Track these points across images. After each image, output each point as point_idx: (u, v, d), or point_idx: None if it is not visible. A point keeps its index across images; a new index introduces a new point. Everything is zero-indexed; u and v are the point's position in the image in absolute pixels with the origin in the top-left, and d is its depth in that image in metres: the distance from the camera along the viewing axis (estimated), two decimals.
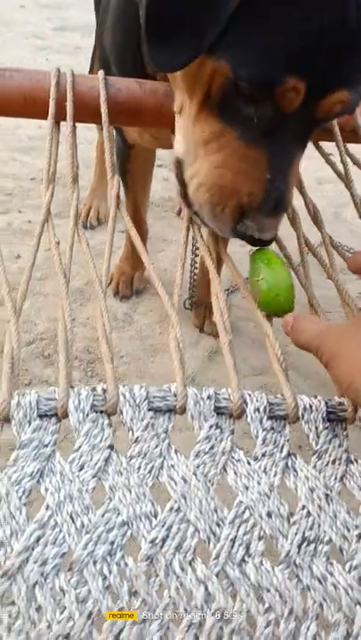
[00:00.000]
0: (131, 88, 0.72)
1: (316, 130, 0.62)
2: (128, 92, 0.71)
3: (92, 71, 1.50)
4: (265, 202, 0.59)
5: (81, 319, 1.29)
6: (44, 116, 0.69)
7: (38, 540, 0.39)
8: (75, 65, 2.80)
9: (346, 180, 0.75)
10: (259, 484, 0.45)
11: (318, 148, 0.82)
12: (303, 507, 0.44)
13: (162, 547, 0.40)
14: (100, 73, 0.72)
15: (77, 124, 0.70)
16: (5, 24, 3.25)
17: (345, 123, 0.80)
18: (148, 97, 0.71)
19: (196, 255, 1.27)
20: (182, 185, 0.65)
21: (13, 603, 0.37)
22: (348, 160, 0.77)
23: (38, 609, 0.37)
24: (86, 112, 0.70)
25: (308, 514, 0.44)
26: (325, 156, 0.81)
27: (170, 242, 1.63)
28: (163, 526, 0.41)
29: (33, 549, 0.39)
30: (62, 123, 0.71)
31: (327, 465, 0.47)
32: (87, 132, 1.68)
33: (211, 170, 0.61)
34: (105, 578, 0.39)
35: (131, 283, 1.41)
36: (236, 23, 0.54)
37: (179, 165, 0.65)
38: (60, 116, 0.70)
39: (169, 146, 0.79)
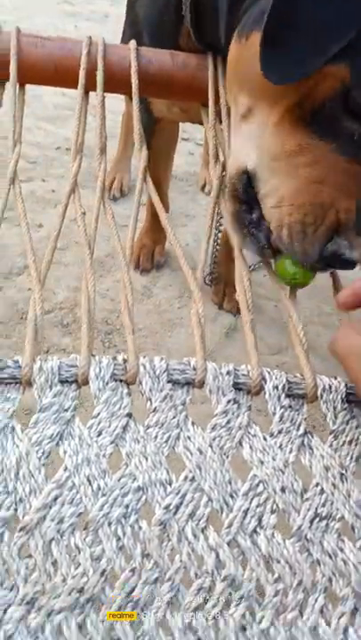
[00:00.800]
0: (162, 60, 0.71)
1: None
2: (160, 63, 0.70)
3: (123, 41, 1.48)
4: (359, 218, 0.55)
5: (100, 290, 1.30)
6: (74, 85, 0.68)
7: (56, 499, 0.41)
8: (104, 32, 2.77)
9: None
10: (274, 459, 0.45)
11: None
12: (317, 484, 0.45)
13: (175, 513, 0.42)
14: (132, 43, 0.72)
15: (106, 94, 0.70)
16: None
17: None
18: (180, 70, 0.70)
19: (220, 231, 1.26)
20: (250, 201, 0.59)
21: (30, 556, 0.38)
22: None
23: (54, 563, 0.38)
24: (117, 83, 0.69)
25: (322, 491, 0.44)
26: None
27: (192, 217, 1.62)
28: (177, 494, 0.42)
29: (50, 507, 0.40)
30: (91, 93, 0.71)
31: (343, 445, 0.47)
32: (114, 101, 1.67)
33: (304, 186, 0.55)
34: (119, 539, 0.40)
35: (152, 256, 1.42)
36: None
37: (247, 180, 0.59)
38: (90, 85, 0.70)
39: (197, 120, 0.78)
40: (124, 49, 0.72)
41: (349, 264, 0.56)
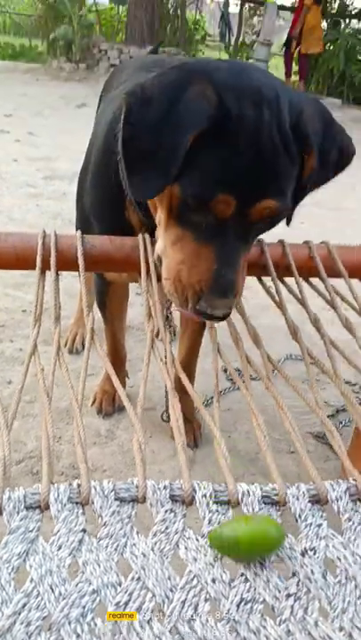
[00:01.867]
0: (103, 244, 0.90)
1: (255, 230, 0.83)
2: (101, 247, 0.89)
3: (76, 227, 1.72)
4: (213, 286, 0.78)
5: (66, 437, 1.40)
6: (33, 268, 0.86)
7: (24, 606, 0.49)
8: (64, 208, 3.12)
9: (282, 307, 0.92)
10: (205, 555, 0.55)
11: (260, 281, 1.00)
12: (242, 574, 0.54)
13: (124, 609, 0.50)
14: (78, 233, 0.91)
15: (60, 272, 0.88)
16: (0, 176, 3.65)
17: (279, 260, 0.99)
18: (118, 250, 0.89)
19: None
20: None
21: None
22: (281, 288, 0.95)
23: None
24: (67, 264, 0.87)
25: (246, 579, 0.54)
26: (265, 286, 0.98)
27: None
28: (126, 592, 0.51)
29: (19, 614, 0.48)
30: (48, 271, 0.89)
31: None
32: None
33: (173, 266, 0.82)
34: (78, 636, 0.48)
35: (113, 400, 1.54)
36: (184, 161, 0.76)
37: (160, 259, 0.87)
38: (45, 267, 0.88)
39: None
40: (72, 237, 0.91)
41: (217, 318, 0.80)
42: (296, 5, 8.66)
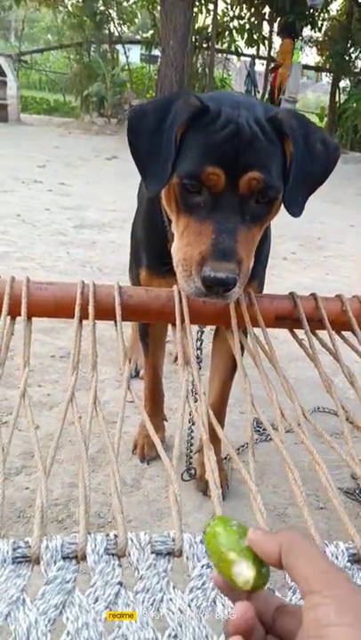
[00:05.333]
0: (140, 294, 0.92)
1: (251, 207, 0.91)
2: (138, 297, 0.92)
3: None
4: (213, 251, 0.87)
5: (92, 485, 1.39)
6: (71, 317, 0.88)
7: None
8: (92, 256, 3.19)
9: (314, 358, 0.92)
10: None
11: (293, 334, 1.01)
12: None
13: None
14: (116, 284, 0.94)
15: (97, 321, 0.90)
16: (33, 224, 3.77)
17: (312, 313, 1.00)
18: (153, 301, 0.92)
19: (193, 423, 1.40)
20: None
21: None
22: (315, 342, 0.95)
23: None
24: (104, 313, 0.89)
25: None
26: (297, 339, 0.99)
27: (175, 410, 1.77)
28: None
29: None
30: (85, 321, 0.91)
31: (298, 596, 0.56)
32: None
33: (180, 250, 0.92)
34: None
35: (154, 445, 1.54)
36: (178, 154, 0.92)
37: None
38: (84, 315, 0.90)
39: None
40: (110, 287, 0.94)
41: (222, 283, 0.85)
42: (274, 65, 9.44)
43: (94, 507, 1.32)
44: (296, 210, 0.96)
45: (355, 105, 9.21)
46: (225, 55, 11.16)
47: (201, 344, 1.30)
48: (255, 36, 10.27)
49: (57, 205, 4.35)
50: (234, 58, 11.77)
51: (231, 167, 0.89)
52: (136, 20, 11.72)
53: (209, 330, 1.49)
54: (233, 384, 1.42)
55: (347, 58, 9.78)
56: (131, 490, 1.42)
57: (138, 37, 12.21)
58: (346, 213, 5.34)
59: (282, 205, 0.98)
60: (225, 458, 1.51)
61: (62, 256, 3.18)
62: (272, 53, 10.83)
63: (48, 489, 1.34)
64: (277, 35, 9.75)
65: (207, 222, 0.89)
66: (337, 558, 0.59)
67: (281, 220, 1.04)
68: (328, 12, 10.43)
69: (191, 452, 1.43)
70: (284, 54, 8.90)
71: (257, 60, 11.04)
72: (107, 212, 4.34)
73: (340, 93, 10.24)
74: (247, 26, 10.12)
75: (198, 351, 1.29)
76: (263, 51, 10.48)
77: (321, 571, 0.41)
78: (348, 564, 0.59)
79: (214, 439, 0.93)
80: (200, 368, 1.23)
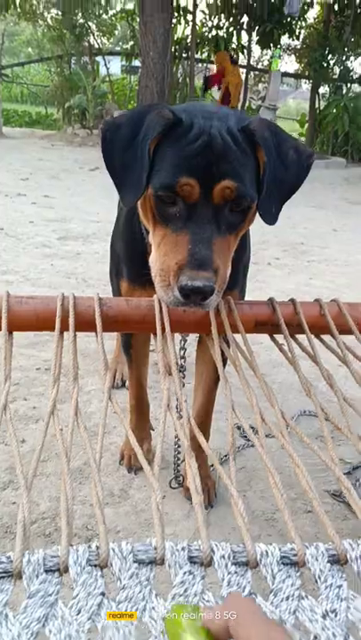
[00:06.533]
0: (120, 305, 0.93)
1: (226, 216, 0.93)
2: (118, 308, 0.92)
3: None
4: (189, 260, 0.88)
5: (80, 497, 1.38)
6: (52, 329, 0.89)
7: None
8: (77, 267, 3.21)
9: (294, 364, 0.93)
10: None
11: (273, 339, 1.02)
12: None
13: None
14: (96, 295, 0.94)
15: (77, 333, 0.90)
16: (17, 237, 3.77)
17: (291, 318, 1.01)
18: (134, 311, 0.92)
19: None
20: None
21: None
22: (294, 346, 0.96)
23: None
24: (85, 325, 0.90)
25: None
26: (278, 344, 1.00)
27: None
28: None
29: None
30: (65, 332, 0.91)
31: (282, 601, 0.57)
32: None
33: (157, 261, 0.94)
34: None
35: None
36: (152, 166, 0.93)
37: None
38: (64, 328, 0.90)
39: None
40: (90, 299, 0.94)
41: (199, 291, 0.86)
42: (217, 69, 9.62)
43: (82, 519, 1.31)
44: (270, 218, 0.97)
45: (334, 110, 9.32)
46: (205, 65, 11.25)
47: (184, 352, 1.30)
48: (234, 45, 10.36)
49: (41, 218, 4.35)
50: (214, 67, 11.87)
51: (205, 177, 0.90)
52: (116, 32, 11.80)
53: (193, 338, 1.50)
54: (218, 391, 1.43)
55: (325, 65, 9.89)
56: (118, 500, 1.42)
57: (118, 49, 12.27)
58: (329, 218, 5.39)
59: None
60: (212, 465, 1.52)
61: (47, 268, 3.18)
62: (251, 62, 10.95)
63: (35, 503, 1.34)
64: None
65: (183, 232, 0.91)
66: (317, 560, 0.59)
67: (265, 227, 1.05)
68: (306, 20, 10.55)
69: (179, 459, 1.44)
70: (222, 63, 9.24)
71: None
72: (90, 223, 4.34)
73: (319, 100, 10.36)
74: (225, 35, 10.21)
75: (182, 360, 1.30)
76: (243, 59, 10.57)
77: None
78: (329, 565, 0.59)
79: (199, 447, 0.93)
80: (184, 377, 1.24)
